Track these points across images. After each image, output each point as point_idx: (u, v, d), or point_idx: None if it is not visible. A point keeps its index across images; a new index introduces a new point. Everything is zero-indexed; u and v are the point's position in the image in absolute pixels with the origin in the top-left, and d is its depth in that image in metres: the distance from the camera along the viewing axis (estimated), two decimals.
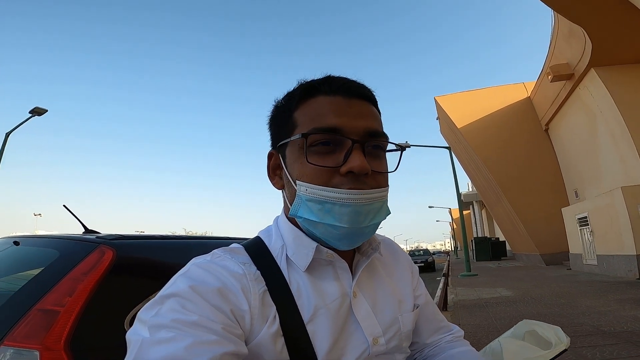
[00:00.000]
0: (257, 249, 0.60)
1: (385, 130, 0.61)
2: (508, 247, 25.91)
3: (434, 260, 23.26)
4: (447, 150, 17.51)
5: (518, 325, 0.89)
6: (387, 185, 0.60)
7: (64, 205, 1.91)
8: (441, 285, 5.52)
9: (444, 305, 6.57)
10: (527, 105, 18.02)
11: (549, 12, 11.32)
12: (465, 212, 42.01)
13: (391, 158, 0.63)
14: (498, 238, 27.75)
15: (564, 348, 0.77)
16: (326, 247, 0.59)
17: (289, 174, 0.60)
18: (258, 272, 0.55)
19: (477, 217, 40.33)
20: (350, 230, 0.55)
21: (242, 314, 0.50)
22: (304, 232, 0.60)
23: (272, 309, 0.53)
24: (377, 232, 0.69)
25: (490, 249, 25.51)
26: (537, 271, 14.12)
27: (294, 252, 0.59)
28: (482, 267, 19.28)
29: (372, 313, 0.61)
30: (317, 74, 0.64)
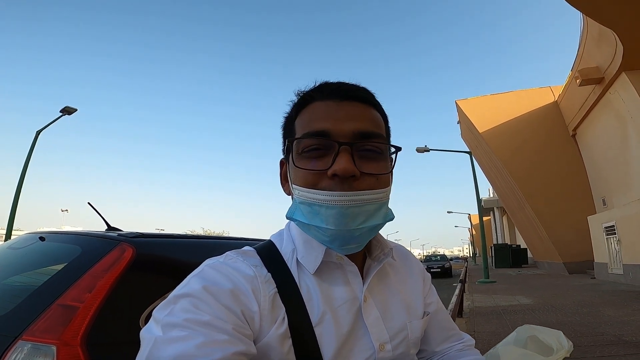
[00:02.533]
0: (268, 252, 0.61)
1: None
2: (529, 254, 25.24)
3: (451, 266, 22.98)
4: (468, 155, 17.25)
5: (519, 330, 0.87)
6: (384, 187, 0.59)
7: (89, 203, 1.96)
8: (457, 291, 5.43)
9: (459, 312, 6.49)
10: (553, 110, 17.57)
11: (576, 14, 10.95)
12: (485, 218, 41.20)
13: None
14: (519, 245, 27.19)
15: (565, 355, 0.75)
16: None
17: (290, 179, 0.61)
18: (269, 274, 0.56)
19: (498, 223, 39.52)
20: (338, 233, 0.55)
21: (252, 314, 0.51)
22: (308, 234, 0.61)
23: (282, 311, 0.54)
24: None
25: (510, 256, 25.07)
26: (560, 280, 13.79)
27: (303, 255, 0.60)
28: (502, 274, 18.95)
29: (380, 319, 0.61)
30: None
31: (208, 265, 0.55)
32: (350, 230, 0.55)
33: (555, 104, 17.63)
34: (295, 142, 0.59)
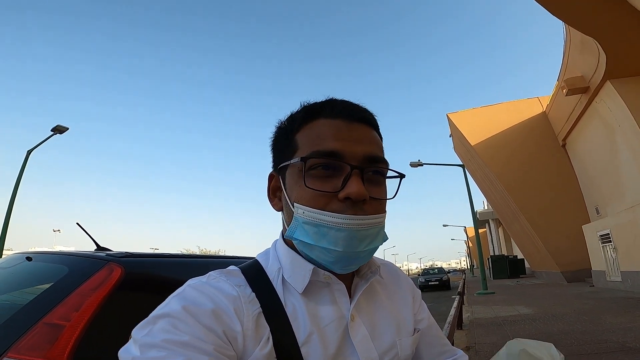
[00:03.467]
0: (253, 271, 0.61)
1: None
2: (527, 264, 25.32)
3: (449, 279, 23.00)
4: (461, 168, 17.39)
5: (509, 345, 0.86)
6: (385, 212, 0.60)
7: (78, 223, 1.98)
8: (455, 303, 5.40)
9: (458, 324, 6.44)
10: (542, 121, 17.84)
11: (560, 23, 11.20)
12: (481, 230, 41.37)
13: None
14: (516, 256, 27.21)
15: None
16: (323, 270, 0.59)
17: (287, 196, 0.60)
18: (253, 294, 0.56)
19: (494, 235, 39.62)
20: (345, 255, 0.55)
21: (235, 335, 0.50)
22: (300, 255, 0.60)
23: (266, 331, 0.53)
24: (380, 256, 0.70)
25: (508, 267, 25.10)
26: (558, 289, 13.82)
27: (290, 274, 0.59)
28: (500, 285, 18.94)
29: (369, 337, 0.60)
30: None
31: (189, 286, 0.54)
32: (357, 252, 0.55)
33: (543, 115, 17.92)
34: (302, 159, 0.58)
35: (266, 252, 0.66)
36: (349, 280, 0.64)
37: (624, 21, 8.79)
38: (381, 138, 0.66)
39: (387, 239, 0.63)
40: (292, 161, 0.59)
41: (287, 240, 0.62)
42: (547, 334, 5.54)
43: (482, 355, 4.61)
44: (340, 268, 0.58)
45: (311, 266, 0.58)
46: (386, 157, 0.63)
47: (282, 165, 0.62)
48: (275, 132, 0.66)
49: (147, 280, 1.48)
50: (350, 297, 0.62)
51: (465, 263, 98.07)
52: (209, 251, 34.78)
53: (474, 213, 16.96)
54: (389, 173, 0.63)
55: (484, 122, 18.70)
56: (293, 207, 0.58)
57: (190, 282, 0.55)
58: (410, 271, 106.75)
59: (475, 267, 47.70)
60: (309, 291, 0.59)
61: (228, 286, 0.55)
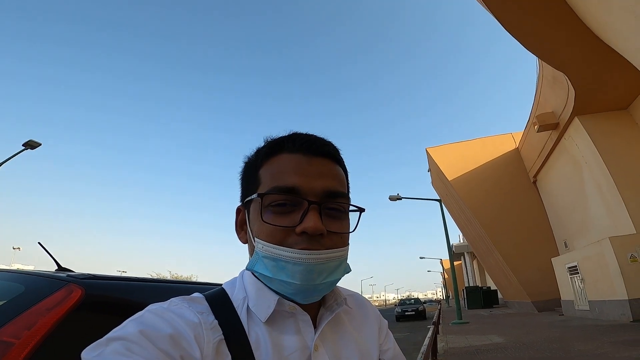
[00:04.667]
0: (217, 299, 0.60)
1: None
2: (500, 295, 25.66)
3: (425, 309, 22.82)
4: (438, 203, 17.73)
5: None
6: (346, 245, 0.61)
7: (39, 243, 1.91)
8: (430, 333, 5.40)
9: (433, 353, 6.39)
10: (515, 157, 18.47)
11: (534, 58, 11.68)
12: (456, 263, 41.73)
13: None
14: (489, 287, 27.57)
15: None
16: (288, 300, 0.60)
17: (250, 230, 0.62)
18: (215, 321, 0.55)
19: (469, 267, 40.05)
20: (303, 287, 0.56)
21: None
22: (266, 285, 0.61)
23: (227, 359, 0.52)
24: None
25: (482, 298, 25.45)
26: (530, 318, 13.98)
27: (255, 303, 0.59)
28: (474, 314, 19.03)
29: None
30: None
31: (148, 311, 0.53)
32: (315, 284, 0.56)
33: (516, 151, 18.56)
34: (258, 195, 0.59)
35: (233, 281, 0.66)
36: (315, 311, 0.64)
37: (593, 56, 9.16)
38: (345, 171, 0.67)
39: (350, 271, 0.63)
40: (252, 197, 0.60)
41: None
42: None
43: None
44: (301, 299, 0.59)
45: (276, 297, 0.59)
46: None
47: (247, 199, 0.63)
48: (243, 166, 0.68)
49: (109, 304, 1.42)
50: (315, 327, 0.62)
51: (441, 294, 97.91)
52: (181, 277, 33.60)
53: (449, 246, 17.19)
54: (350, 207, 0.64)
55: (461, 157, 19.16)
56: (254, 241, 0.60)
57: (150, 307, 0.54)
58: (387, 301, 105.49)
59: (450, 297, 47.79)
60: (273, 321, 0.59)
61: (189, 313, 0.54)
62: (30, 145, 12.52)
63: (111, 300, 1.44)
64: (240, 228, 0.67)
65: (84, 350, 0.46)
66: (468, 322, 14.02)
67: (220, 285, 0.67)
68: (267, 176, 0.60)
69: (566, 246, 15.29)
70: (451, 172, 19.27)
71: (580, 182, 13.23)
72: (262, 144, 0.65)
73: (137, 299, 1.53)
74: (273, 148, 0.62)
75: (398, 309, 22.42)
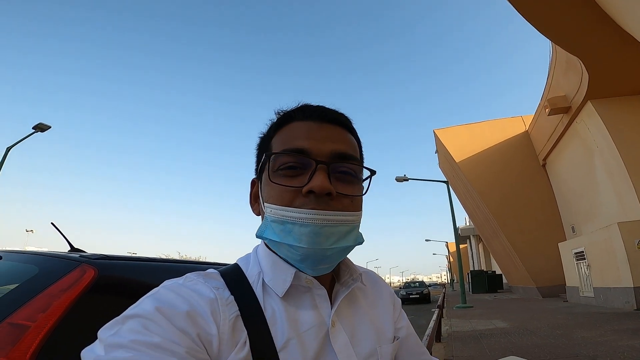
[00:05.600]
0: (233, 275, 0.59)
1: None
2: (504, 280, 25.67)
3: (429, 292, 23.01)
4: (445, 185, 17.57)
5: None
6: (357, 210, 0.59)
7: (52, 223, 1.91)
8: (435, 316, 5.41)
9: (437, 337, 6.47)
10: (524, 140, 18.22)
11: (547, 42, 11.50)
12: (462, 246, 41.87)
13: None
14: (494, 271, 27.59)
15: None
16: (304, 274, 0.59)
17: (261, 198, 0.61)
18: (231, 297, 0.54)
19: (474, 250, 40.11)
20: (310, 252, 0.54)
21: (210, 338, 0.49)
22: (282, 258, 0.60)
23: (243, 334, 0.51)
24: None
25: (486, 282, 25.44)
26: (534, 303, 13.99)
27: (271, 278, 0.58)
28: (478, 299, 19.08)
29: (349, 344, 0.60)
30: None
31: (164, 287, 0.53)
32: (323, 249, 0.54)
33: (526, 134, 18.31)
34: (272, 158, 0.58)
35: (247, 257, 0.66)
36: (330, 286, 0.64)
37: (608, 41, 9.02)
38: (358, 141, 0.66)
39: (362, 241, 0.61)
40: (262, 160, 0.60)
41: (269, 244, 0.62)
42: (521, 347, 5.61)
43: None
44: (310, 267, 0.57)
45: (293, 270, 0.58)
46: (373, 169, 0.62)
47: (259, 169, 0.63)
48: (258, 140, 0.68)
49: (121, 284, 1.43)
50: (331, 303, 0.61)
51: (446, 277, 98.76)
52: (189, 257, 34.22)
53: (455, 229, 17.13)
54: (364, 173, 0.62)
55: (469, 139, 18.98)
56: (264, 207, 0.58)
57: (165, 283, 0.54)
58: (392, 284, 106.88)
59: (455, 281, 48.15)
60: (289, 295, 0.58)
61: (205, 288, 0.54)
62: (40, 128, 12.68)
63: (124, 280, 1.44)
64: (254, 200, 0.66)
65: (101, 329, 0.46)
66: (472, 307, 14.07)
67: (228, 264, 0.65)
68: (278, 143, 0.60)
69: (573, 231, 15.18)
70: (459, 154, 19.09)
71: (591, 167, 13.04)
72: (275, 117, 0.65)
73: (150, 279, 1.52)
74: (284, 118, 0.63)
75: (403, 292, 22.63)
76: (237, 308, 0.53)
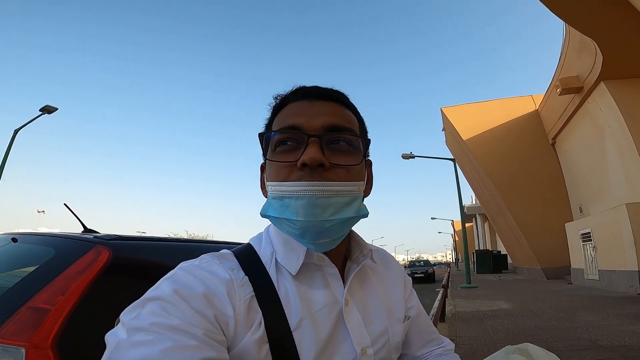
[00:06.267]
0: (246, 255, 0.60)
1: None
2: (509, 260, 25.76)
3: (434, 272, 23.26)
4: (452, 162, 17.45)
5: (509, 348, 0.83)
6: (355, 180, 0.58)
7: (65, 204, 1.93)
8: (439, 296, 5.47)
9: (441, 317, 6.51)
10: (534, 119, 17.96)
11: (559, 23, 11.24)
12: (467, 225, 41.73)
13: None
14: (500, 251, 27.68)
15: None
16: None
17: (266, 179, 0.61)
18: (246, 277, 0.55)
19: (480, 229, 40.19)
20: (308, 224, 0.54)
21: (226, 319, 0.50)
22: (281, 231, 0.61)
23: (258, 315, 0.52)
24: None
25: (491, 262, 25.51)
26: (538, 285, 14.06)
27: (283, 256, 0.59)
28: (483, 279, 19.21)
29: (362, 322, 0.61)
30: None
31: (181, 268, 0.54)
32: (320, 221, 0.54)
33: (536, 113, 18.03)
34: (269, 139, 0.59)
35: (259, 236, 0.67)
36: (342, 265, 0.65)
37: (624, 23, 8.83)
38: (358, 115, 0.66)
39: (367, 213, 0.60)
40: (259, 140, 0.62)
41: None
42: (524, 329, 5.67)
43: (462, 348, 4.71)
44: (310, 242, 0.57)
45: (304, 247, 0.58)
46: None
47: (264, 152, 0.63)
48: (264, 126, 0.68)
49: (135, 264, 1.46)
50: (343, 281, 0.62)
51: (451, 256, 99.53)
52: (197, 236, 34.73)
53: (462, 208, 17.07)
54: (362, 144, 0.62)
55: (477, 118, 18.75)
56: (267, 187, 0.60)
57: (182, 265, 0.55)
58: None
59: (460, 260, 48.51)
60: (301, 274, 0.59)
61: (221, 269, 0.55)
62: (47, 110, 12.89)
63: (137, 260, 1.47)
64: (264, 184, 0.66)
65: (123, 312, 0.48)
66: (476, 287, 14.16)
67: (241, 243, 0.66)
68: (275, 125, 0.62)
69: (581, 211, 15.08)
70: (466, 132, 18.90)
71: (601, 147, 12.86)
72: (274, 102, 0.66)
73: (163, 259, 1.55)
74: (281, 102, 0.64)
75: (408, 271, 22.80)
76: (252, 289, 0.54)
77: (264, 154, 0.63)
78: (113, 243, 1.39)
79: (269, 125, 0.65)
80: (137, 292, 1.32)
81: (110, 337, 0.45)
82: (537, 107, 18.04)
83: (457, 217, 28.78)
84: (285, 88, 0.66)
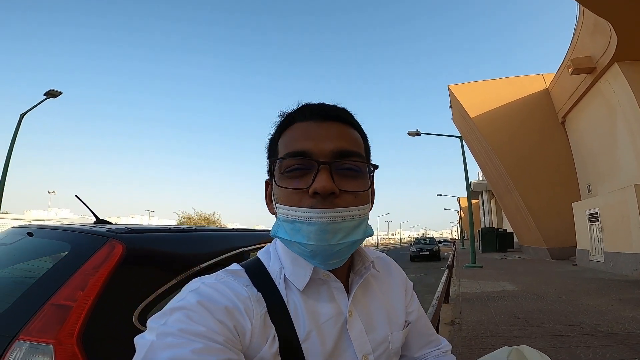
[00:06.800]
0: (257, 271, 0.63)
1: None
2: (515, 239, 25.74)
3: (439, 250, 23.11)
4: (459, 140, 17.27)
5: (512, 349, 0.88)
6: (362, 205, 0.61)
7: (76, 195, 1.95)
8: (444, 278, 5.51)
9: (445, 298, 6.58)
10: (544, 97, 17.63)
11: (572, 4, 10.91)
12: (473, 202, 41.60)
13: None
14: (505, 229, 27.54)
15: None
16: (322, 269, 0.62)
17: (274, 199, 0.63)
18: (259, 294, 0.58)
19: (486, 207, 39.96)
20: (319, 248, 0.57)
21: (245, 331, 0.53)
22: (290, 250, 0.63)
23: (272, 330, 0.56)
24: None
25: (497, 240, 25.38)
26: (543, 265, 14.07)
27: (291, 272, 0.62)
28: (488, 258, 19.24)
29: (364, 332, 0.64)
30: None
31: (204, 284, 0.57)
32: (331, 245, 0.57)
33: (546, 92, 17.68)
34: (277, 162, 0.61)
35: (267, 251, 0.69)
36: (345, 277, 0.68)
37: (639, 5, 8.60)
38: (363, 135, 0.68)
39: (372, 233, 0.64)
40: (268, 165, 0.64)
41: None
42: (526, 312, 5.73)
43: (465, 330, 4.78)
44: (321, 263, 0.60)
45: (312, 265, 0.61)
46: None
47: (270, 171, 0.65)
48: (268, 142, 0.69)
49: (148, 256, 1.47)
50: (347, 292, 0.65)
51: (456, 233, 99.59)
52: (205, 214, 35.00)
53: (468, 185, 16.98)
54: (364, 166, 0.63)
55: (485, 96, 18.46)
56: (276, 207, 0.62)
57: (204, 279, 0.58)
58: (402, 239, 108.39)
59: (465, 238, 48.59)
60: (308, 289, 0.62)
61: (239, 286, 0.58)
62: (52, 94, 13.06)
63: (150, 252, 1.49)
64: (269, 200, 0.68)
65: (150, 318, 0.51)
66: (481, 266, 14.22)
67: (254, 231, 0.70)
68: (282, 146, 0.62)
69: (589, 190, 14.96)
70: (474, 109, 18.66)
71: (612, 126, 12.65)
72: (278, 119, 0.67)
73: (175, 249, 1.58)
74: (286, 120, 0.64)
75: (413, 249, 22.82)
76: (265, 304, 0.58)
77: (270, 174, 0.65)
78: (126, 237, 1.40)
79: (273, 142, 0.66)
80: (151, 284, 1.35)
81: (140, 340, 0.49)
82: (547, 86, 17.67)
83: (464, 194, 28.66)
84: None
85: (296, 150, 0.59)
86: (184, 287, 0.58)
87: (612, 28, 10.08)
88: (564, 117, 16.52)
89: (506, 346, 0.87)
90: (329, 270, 0.63)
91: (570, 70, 13.07)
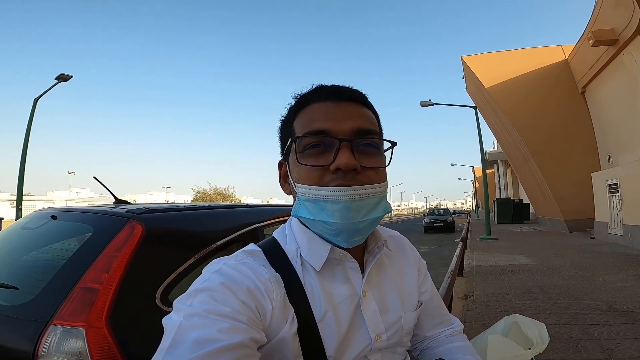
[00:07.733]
0: (274, 252, 0.65)
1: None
2: (532, 210, 25.15)
3: (453, 221, 22.72)
4: (473, 110, 16.90)
5: (506, 319, 0.93)
6: (383, 181, 0.62)
7: (95, 177, 1.97)
8: (458, 251, 5.39)
9: (459, 271, 6.49)
10: (563, 68, 16.96)
11: None
12: (488, 171, 40.79)
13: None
14: (522, 200, 26.86)
15: (540, 351, 0.82)
16: (338, 248, 0.63)
17: (291, 178, 0.64)
18: (278, 275, 0.60)
19: (502, 177, 39.20)
20: (344, 226, 0.58)
21: (265, 311, 0.55)
22: (316, 234, 0.64)
23: (291, 311, 0.57)
24: (387, 194, 0.70)
25: (512, 211, 24.70)
26: (560, 238, 13.78)
27: (308, 253, 0.63)
28: (503, 230, 18.90)
29: (378, 312, 0.66)
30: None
31: (226, 264, 0.59)
32: (355, 222, 0.58)
33: (565, 62, 17.01)
34: (297, 141, 0.61)
35: (282, 231, 0.70)
36: (360, 256, 0.69)
37: None
38: (375, 114, 0.69)
39: (391, 209, 0.65)
40: (288, 144, 0.64)
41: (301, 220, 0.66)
42: (542, 287, 5.69)
43: (479, 305, 4.78)
44: (344, 240, 0.61)
45: (329, 245, 0.62)
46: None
47: (285, 151, 0.67)
48: (280, 124, 0.71)
49: (167, 235, 1.48)
50: (362, 271, 0.67)
51: (470, 204, 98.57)
52: (219, 188, 35.45)
53: (483, 155, 16.67)
54: (385, 145, 0.66)
55: (501, 67, 17.81)
56: (295, 187, 0.62)
57: (225, 260, 0.60)
58: (415, 210, 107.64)
59: (480, 208, 48.24)
60: (324, 269, 0.63)
61: (259, 268, 0.60)
62: (63, 78, 13.20)
63: (169, 231, 1.51)
64: (284, 181, 0.70)
65: (176, 300, 0.54)
66: (496, 239, 14.05)
67: (268, 205, 0.74)
68: (299, 126, 0.63)
69: (609, 160, 14.56)
70: (488, 80, 18.05)
71: (635, 98, 12.15)
72: (293, 101, 0.68)
73: (193, 227, 1.61)
74: (302, 101, 0.66)
75: (426, 220, 22.43)
76: (284, 285, 0.59)
77: (286, 154, 0.66)
78: (145, 217, 1.42)
79: (288, 122, 0.67)
80: (171, 264, 1.39)
81: (168, 321, 0.50)
82: (566, 57, 17.00)
83: (478, 164, 28.13)
84: (299, 91, 0.68)
85: (317, 129, 0.60)
86: (205, 268, 0.59)
87: (635, 1, 9.68)
88: (584, 87, 15.92)
89: (505, 316, 0.94)
90: (346, 250, 0.64)
91: (591, 42, 12.59)
